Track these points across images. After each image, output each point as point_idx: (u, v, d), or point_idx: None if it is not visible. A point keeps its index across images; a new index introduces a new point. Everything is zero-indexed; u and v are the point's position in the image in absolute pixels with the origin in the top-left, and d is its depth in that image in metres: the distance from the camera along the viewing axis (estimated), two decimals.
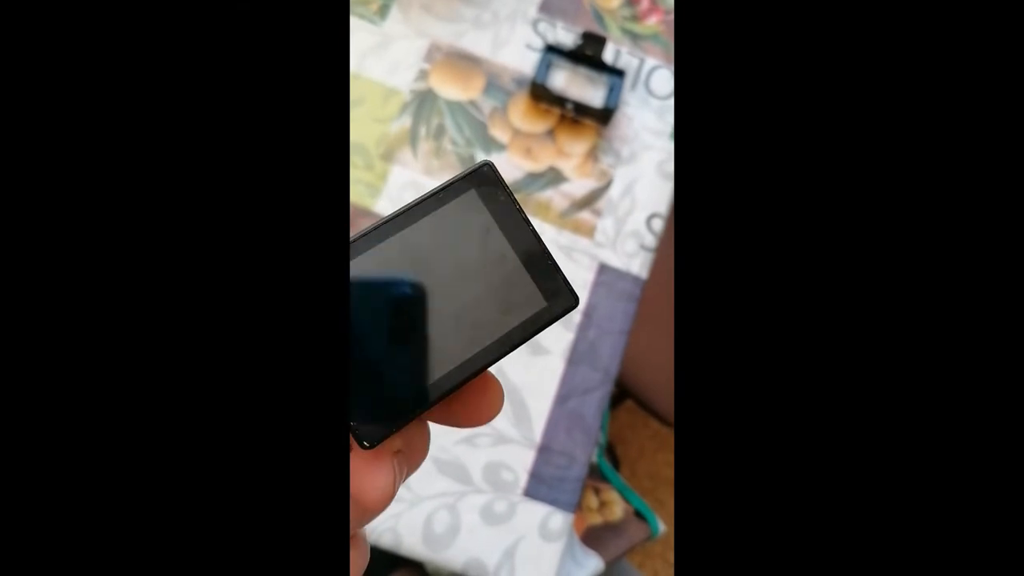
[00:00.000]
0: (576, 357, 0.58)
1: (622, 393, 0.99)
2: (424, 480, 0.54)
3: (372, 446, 0.18)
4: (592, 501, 0.66)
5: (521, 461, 0.55)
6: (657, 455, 1.30)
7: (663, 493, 1.27)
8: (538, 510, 0.54)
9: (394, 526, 0.52)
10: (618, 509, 0.66)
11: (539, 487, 0.55)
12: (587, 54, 0.62)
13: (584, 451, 0.56)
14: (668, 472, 1.30)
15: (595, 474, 0.69)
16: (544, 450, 0.55)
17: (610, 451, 1.21)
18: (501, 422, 0.56)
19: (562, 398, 0.57)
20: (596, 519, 0.64)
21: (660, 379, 1.15)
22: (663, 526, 0.68)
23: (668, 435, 1.31)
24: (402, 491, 0.53)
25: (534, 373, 0.57)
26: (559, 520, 0.54)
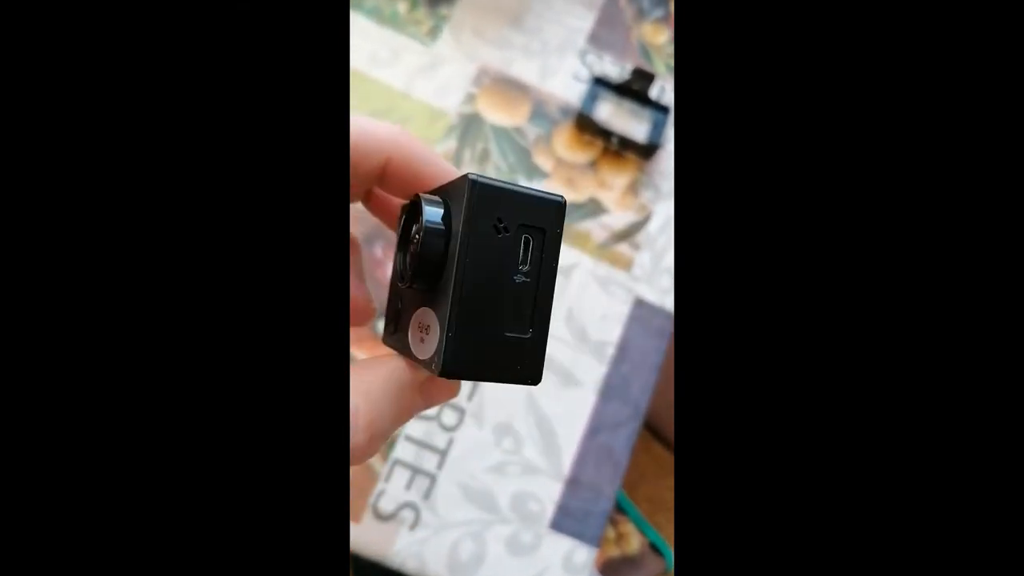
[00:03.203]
0: (608, 391, 0.58)
1: None
2: (451, 507, 0.54)
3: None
4: (610, 532, 0.66)
5: (548, 493, 0.55)
6: (659, 480, 1.30)
7: (661, 518, 1.28)
8: (563, 543, 0.54)
9: (419, 551, 0.52)
10: (635, 542, 0.66)
11: (565, 520, 0.55)
12: (634, 88, 0.62)
13: (611, 485, 0.56)
14: (668, 496, 1.30)
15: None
16: (572, 483, 0.55)
17: None
18: (530, 451, 0.56)
19: (592, 431, 0.57)
20: (614, 551, 0.64)
21: (669, 406, 1.15)
22: None
23: (670, 460, 1.31)
24: (428, 516, 0.53)
25: (565, 404, 0.57)
26: (584, 554, 0.54)
